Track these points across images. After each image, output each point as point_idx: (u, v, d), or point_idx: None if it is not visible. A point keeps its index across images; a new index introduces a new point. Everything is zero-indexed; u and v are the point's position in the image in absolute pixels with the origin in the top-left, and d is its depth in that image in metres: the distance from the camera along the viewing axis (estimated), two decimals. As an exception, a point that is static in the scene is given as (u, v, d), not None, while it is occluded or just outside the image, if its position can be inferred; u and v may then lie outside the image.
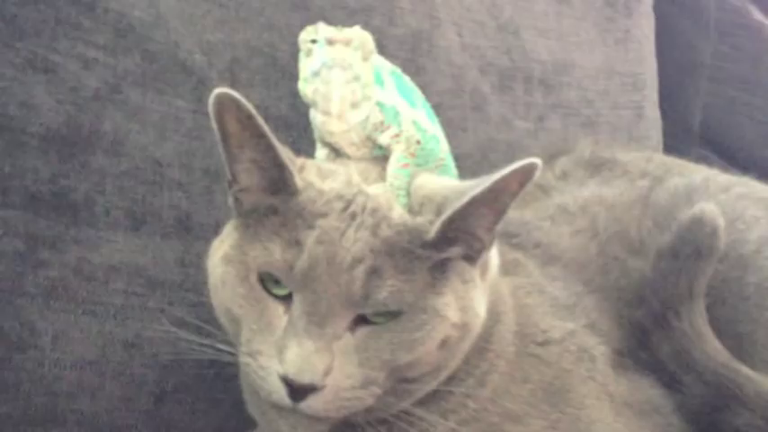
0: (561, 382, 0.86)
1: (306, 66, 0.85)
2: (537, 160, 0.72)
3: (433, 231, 0.74)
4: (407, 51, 1.24)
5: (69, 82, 0.97)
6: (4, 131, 0.93)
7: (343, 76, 0.83)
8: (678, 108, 1.73)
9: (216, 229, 0.95)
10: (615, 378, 0.90)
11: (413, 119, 0.87)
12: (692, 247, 0.91)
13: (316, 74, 0.84)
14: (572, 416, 0.85)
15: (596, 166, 1.09)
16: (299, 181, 0.75)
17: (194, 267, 1.02)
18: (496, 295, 0.84)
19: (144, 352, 1.00)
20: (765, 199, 1.03)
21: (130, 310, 0.99)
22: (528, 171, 0.73)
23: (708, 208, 0.92)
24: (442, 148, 0.90)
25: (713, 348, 0.91)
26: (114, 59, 1.00)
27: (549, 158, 1.11)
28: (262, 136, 0.74)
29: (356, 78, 0.83)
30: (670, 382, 0.91)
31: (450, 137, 0.92)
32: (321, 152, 0.90)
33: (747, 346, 0.93)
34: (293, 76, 1.11)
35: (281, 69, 1.12)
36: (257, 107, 0.74)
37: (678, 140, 1.69)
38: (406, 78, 0.91)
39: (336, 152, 0.89)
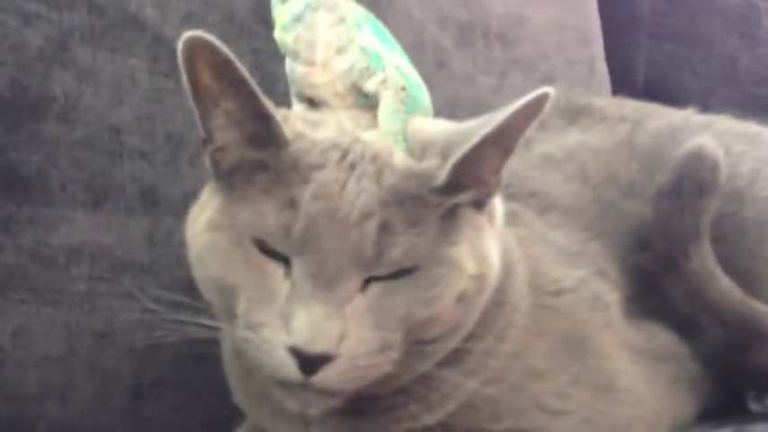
0: (579, 332, 0.81)
1: (284, 12, 0.77)
2: (550, 89, 0.66)
3: (443, 175, 0.67)
4: (367, 5, 1.14)
5: (10, 40, 0.85)
6: (-61, 98, 0.81)
7: (330, 18, 0.76)
8: (621, 64, 1.72)
9: (184, 202, 0.86)
10: (629, 325, 0.87)
11: (395, 64, 0.80)
12: (693, 183, 0.89)
13: (297, 19, 0.76)
14: (594, 367, 0.80)
15: (573, 114, 1.06)
16: (287, 131, 0.67)
17: (164, 246, 0.94)
18: (505, 246, 0.78)
19: (116, 343, 0.90)
20: (747, 134, 1.03)
21: (97, 297, 0.89)
22: (540, 103, 0.67)
23: (705, 142, 0.91)
24: (426, 96, 0.83)
25: (726, 286, 0.89)
26: (58, 14, 0.88)
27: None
28: (241, 83, 0.66)
29: (342, 20, 0.77)
30: (684, 326, 0.89)
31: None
32: (297, 108, 0.81)
33: (749, 281, 0.92)
34: (253, 32, 1.04)
35: (239, 24, 1.04)
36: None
37: (623, 96, 1.67)
38: (381, 24, 0.84)
39: (315, 107, 0.80)
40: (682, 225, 0.89)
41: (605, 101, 1.13)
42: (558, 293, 0.82)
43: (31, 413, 0.85)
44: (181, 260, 0.90)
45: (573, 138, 1.02)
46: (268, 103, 0.67)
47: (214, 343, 0.83)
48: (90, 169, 0.89)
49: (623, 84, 1.68)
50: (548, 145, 1.00)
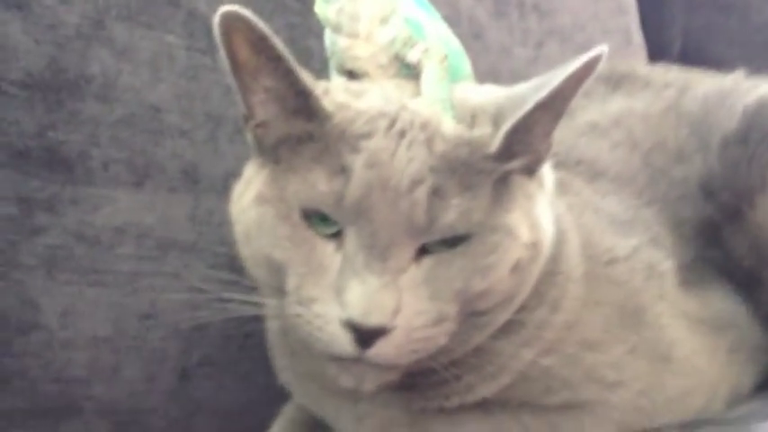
0: (634, 302, 0.80)
1: None
2: (605, 48, 0.64)
3: (496, 143, 0.65)
4: (401, -23, 1.14)
5: (47, 18, 0.83)
6: (-21, 78, 0.80)
7: None
8: (656, 35, 1.69)
9: (225, 180, 0.85)
10: (685, 294, 0.84)
11: (437, 33, 0.77)
12: (762, 132, 0.87)
13: None
14: (651, 338, 0.79)
15: (616, 81, 1.03)
16: (327, 104, 0.66)
17: (206, 224, 0.93)
18: (556, 214, 0.76)
19: (162, 323, 0.89)
20: None
21: (142, 277, 0.88)
22: (594, 64, 0.64)
23: None
24: (467, 64, 0.80)
25: None
26: (94, -9, 0.87)
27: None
28: (278, 59, 0.65)
29: None
30: (745, 281, 0.87)
31: (453, 68, 0.84)
32: (337, 81, 0.79)
33: None
34: (287, 7, 1.03)
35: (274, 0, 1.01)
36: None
37: (658, 67, 1.64)
38: None
39: (356, 79, 0.78)
40: (749, 175, 0.87)
41: (648, 68, 1.10)
42: (611, 262, 0.80)
43: (78, 394, 0.84)
44: (223, 239, 0.90)
45: (617, 104, 0.99)
46: (306, 79, 0.65)
47: (260, 323, 0.82)
48: (131, 148, 0.88)
49: (659, 54, 1.65)
50: (591, 113, 0.98)
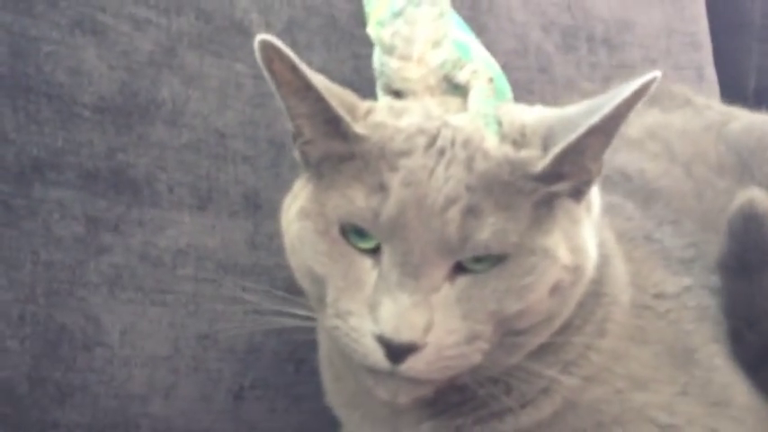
0: (684, 343, 0.77)
1: (382, 7, 0.76)
2: (658, 73, 0.64)
3: (543, 164, 0.65)
4: (468, 9, 1.16)
5: (121, 45, 0.87)
6: (54, 101, 0.83)
7: (431, 12, 0.74)
8: (730, 71, 1.64)
9: None
10: None
11: (481, 55, 0.78)
12: (760, 254, 0.77)
13: (397, 14, 0.75)
14: (702, 379, 0.76)
15: (653, 96, 0.99)
16: (358, 129, 0.66)
17: (265, 249, 0.94)
18: (602, 238, 0.75)
19: (219, 344, 0.90)
20: None
21: (202, 299, 0.90)
22: (648, 88, 0.64)
23: (756, 195, 0.78)
24: (508, 87, 0.81)
25: None
26: (167, 19, 0.90)
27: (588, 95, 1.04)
28: (309, 88, 0.66)
29: (442, 14, 0.75)
30: None
31: (517, 100, 0.83)
32: (383, 100, 0.80)
33: None
34: (354, 36, 1.04)
35: (340, 30, 1.03)
36: (320, 71, 0.68)
37: (732, 105, 1.61)
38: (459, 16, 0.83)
39: (402, 98, 0.79)
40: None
41: (685, 89, 1.06)
42: (659, 296, 0.78)
43: (135, 411, 0.86)
44: (281, 264, 0.92)
45: (652, 118, 0.96)
46: (338, 104, 0.67)
47: (314, 348, 0.83)
48: (196, 172, 0.91)
49: (733, 90, 1.61)
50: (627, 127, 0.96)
